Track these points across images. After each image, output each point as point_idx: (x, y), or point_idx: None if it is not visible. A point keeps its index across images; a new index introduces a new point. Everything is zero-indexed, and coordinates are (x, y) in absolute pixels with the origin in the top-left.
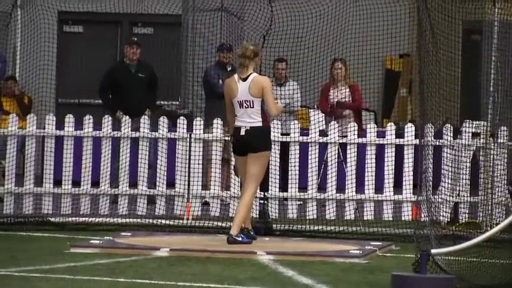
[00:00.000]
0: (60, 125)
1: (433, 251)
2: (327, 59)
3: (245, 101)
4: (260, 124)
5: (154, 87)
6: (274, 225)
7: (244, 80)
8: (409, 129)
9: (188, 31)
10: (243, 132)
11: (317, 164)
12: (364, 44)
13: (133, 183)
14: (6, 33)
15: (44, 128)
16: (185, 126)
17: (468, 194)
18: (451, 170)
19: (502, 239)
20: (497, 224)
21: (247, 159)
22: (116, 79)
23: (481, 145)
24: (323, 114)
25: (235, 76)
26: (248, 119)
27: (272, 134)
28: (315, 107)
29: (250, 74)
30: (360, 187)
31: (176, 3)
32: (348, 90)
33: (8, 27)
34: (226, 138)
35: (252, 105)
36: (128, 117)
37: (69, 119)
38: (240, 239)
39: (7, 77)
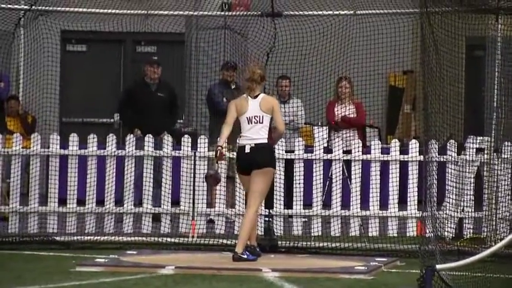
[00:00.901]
0: (64, 144)
1: (438, 266)
2: (330, 76)
3: (255, 116)
4: (266, 141)
5: (174, 108)
6: (279, 242)
7: (255, 97)
8: (413, 145)
9: (191, 49)
10: (247, 150)
11: (322, 181)
12: (367, 61)
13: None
14: (9, 53)
15: (48, 147)
16: (190, 144)
17: (472, 210)
18: (456, 186)
19: (506, 254)
20: (501, 239)
21: (252, 176)
22: (136, 97)
23: (485, 161)
24: (327, 131)
25: (245, 95)
26: (255, 135)
27: (276, 151)
28: (319, 124)
29: (259, 94)
30: (364, 203)
31: (179, 22)
32: (353, 107)
33: (11, 47)
34: (233, 154)
35: (261, 121)
36: (150, 136)
37: (74, 138)
38: (245, 256)
39: (9, 96)
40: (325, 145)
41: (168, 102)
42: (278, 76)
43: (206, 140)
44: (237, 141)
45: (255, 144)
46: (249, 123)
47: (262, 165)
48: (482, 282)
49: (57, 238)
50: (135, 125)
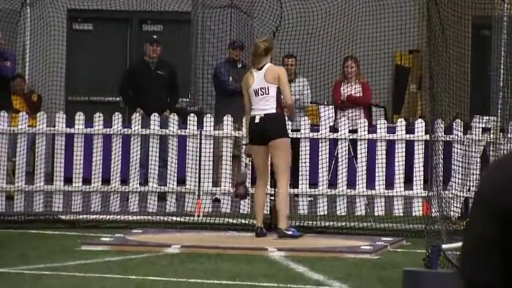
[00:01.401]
0: (70, 123)
1: (444, 246)
2: (336, 56)
3: (261, 88)
4: (274, 111)
5: (175, 86)
6: None
7: (260, 69)
8: (419, 124)
9: (198, 28)
10: (257, 120)
11: (327, 160)
12: (373, 40)
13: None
14: (15, 31)
15: (54, 126)
16: (195, 124)
17: None
18: (462, 166)
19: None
20: None
21: (270, 151)
22: (136, 77)
23: (491, 140)
24: (333, 110)
25: (251, 69)
26: (263, 106)
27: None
28: (325, 103)
29: (265, 64)
30: (370, 183)
31: (186, 0)
32: (359, 87)
33: (17, 25)
34: (238, 133)
35: (267, 92)
36: (156, 114)
37: (79, 116)
38: (290, 232)
39: (15, 75)
40: (331, 124)
41: (168, 80)
42: (284, 55)
43: (212, 119)
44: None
45: (264, 114)
46: (256, 96)
47: (274, 136)
48: None
49: (63, 217)
50: (136, 105)
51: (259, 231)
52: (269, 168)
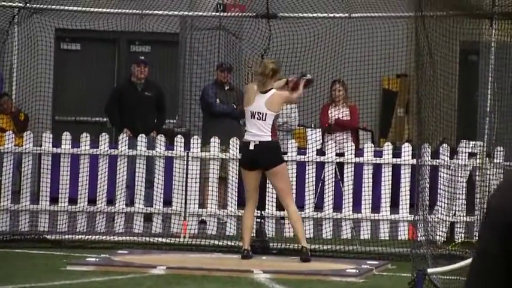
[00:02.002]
0: (56, 143)
1: (429, 270)
2: (324, 79)
3: (258, 112)
4: (269, 139)
5: (162, 107)
6: (271, 244)
7: (264, 92)
8: (406, 148)
9: (186, 49)
10: (251, 147)
11: (314, 183)
12: (361, 64)
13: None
14: (2, 50)
15: (41, 146)
16: (182, 145)
17: (464, 214)
18: (448, 190)
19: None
20: None
21: (269, 179)
22: (123, 97)
23: (478, 165)
24: (320, 133)
25: (255, 87)
26: (257, 131)
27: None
28: (313, 126)
29: (271, 89)
30: (356, 206)
31: (174, 22)
32: (347, 110)
33: (4, 44)
34: (225, 155)
35: (264, 118)
36: (143, 135)
37: (66, 136)
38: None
39: (2, 93)
40: (318, 147)
41: (155, 101)
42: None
43: (199, 141)
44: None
45: (259, 141)
46: (252, 118)
47: (271, 165)
48: None
49: (48, 237)
50: (123, 126)
51: (246, 253)
52: (258, 191)
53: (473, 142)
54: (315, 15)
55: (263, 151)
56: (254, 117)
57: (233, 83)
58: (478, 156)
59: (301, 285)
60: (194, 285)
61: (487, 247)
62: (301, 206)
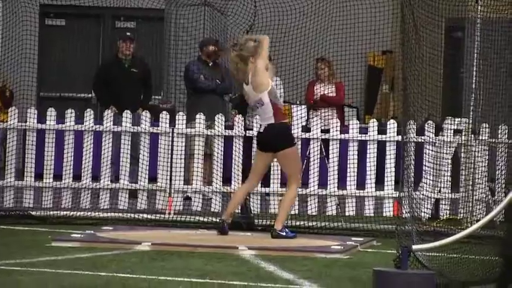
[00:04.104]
0: (41, 119)
1: (414, 246)
2: (310, 55)
3: (256, 101)
4: (273, 121)
5: (148, 84)
6: (256, 221)
7: (247, 83)
8: (391, 125)
9: (171, 26)
10: (262, 130)
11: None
12: (347, 40)
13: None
14: None
15: (26, 122)
16: (168, 121)
17: (449, 191)
18: (433, 167)
19: (482, 235)
20: (477, 221)
21: (278, 161)
22: (109, 74)
23: (463, 142)
24: (306, 110)
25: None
26: (264, 115)
27: (256, 128)
28: (298, 102)
29: (249, 74)
30: (341, 183)
31: None
32: (333, 87)
33: None
34: (210, 131)
35: (262, 103)
36: (129, 111)
37: (51, 112)
38: (284, 233)
39: None
40: (304, 124)
41: (141, 78)
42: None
43: (184, 117)
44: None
45: (268, 124)
46: (257, 109)
47: (278, 147)
48: (458, 262)
49: (33, 213)
50: (109, 102)
51: (222, 225)
52: (262, 176)
53: (459, 119)
54: None
55: (272, 134)
56: (257, 107)
57: (220, 59)
58: (463, 133)
59: (285, 262)
60: (179, 261)
61: None
62: (286, 183)
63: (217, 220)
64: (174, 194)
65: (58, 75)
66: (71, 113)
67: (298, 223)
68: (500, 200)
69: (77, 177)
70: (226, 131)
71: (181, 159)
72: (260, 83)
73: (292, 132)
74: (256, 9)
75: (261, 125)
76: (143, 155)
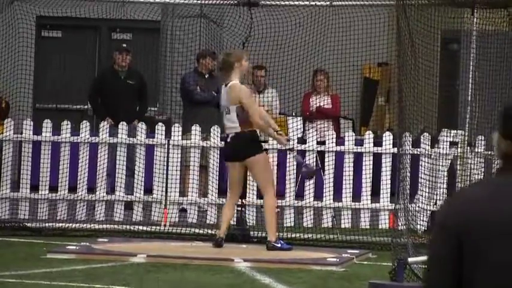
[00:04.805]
0: (37, 130)
1: (409, 259)
2: (305, 67)
3: (224, 106)
4: (239, 130)
5: (144, 96)
6: (251, 233)
7: (226, 85)
8: (387, 137)
9: (167, 37)
10: (229, 139)
11: (295, 171)
12: (343, 52)
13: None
14: None
15: (21, 133)
16: (163, 133)
17: None
18: (429, 179)
19: None
20: None
21: (248, 170)
22: (105, 85)
23: (459, 154)
24: (301, 121)
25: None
26: (230, 124)
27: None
28: (293, 114)
29: (231, 82)
30: (337, 195)
31: (155, 9)
32: (328, 98)
33: None
34: (206, 143)
35: (229, 112)
36: (124, 123)
37: (47, 124)
38: (279, 245)
39: None
40: (300, 135)
41: (137, 89)
42: (253, 66)
43: (180, 129)
44: None
45: (235, 133)
46: (224, 113)
47: (244, 156)
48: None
49: (29, 224)
50: (105, 114)
51: (219, 240)
52: (241, 185)
53: (454, 131)
54: (296, 3)
55: (237, 142)
56: (224, 111)
57: (215, 71)
58: (459, 145)
59: (281, 274)
60: (174, 273)
61: (439, 250)
62: (282, 195)
63: (214, 232)
64: (169, 205)
65: (54, 86)
66: (67, 124)
67: (293, 235)
68: None
69: (73, 188)
70: (222, 142)
71: (176, 170)
72: (233, 99)
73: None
74: (252, 21)
75: (228, 135)
76: (139, 167)
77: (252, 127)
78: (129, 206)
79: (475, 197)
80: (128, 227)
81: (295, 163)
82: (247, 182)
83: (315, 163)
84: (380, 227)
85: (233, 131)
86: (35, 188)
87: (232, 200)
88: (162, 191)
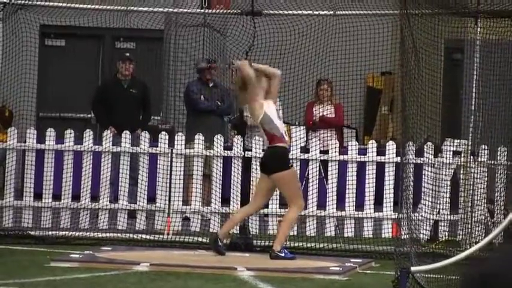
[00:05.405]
0: (41, 139)
1: (412, 268)
2: (309, 76)
3: (254, 125)
4: (269, 144)
5: (147, 105)
6: (254, 241)
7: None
8: (390, 146)
9: (170, 46)
10: (265, 152)
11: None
12: (346, 61)
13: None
14: None
15: (25, 142)
16: (167, 141)
17: (448, 212)
18: (432, 188)
19: (481, 257)
20: (476, 243)
21: (275, 182)
22: (108, 94)
23: (462, 164)
24: (305, 131)
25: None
26: (263, 139)
27: (255, 150)
28: (297, 123)
29: (246, 103)
30: (340, 204)
31: (159, 18)
32: (332, 108)
33: None
34: (209, 152)
35: (258, 128)
36: (128, 132)
37: (50, 132)
38: (282, 254)
39: None
40: (303, 145)
41: (140, 99)
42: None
43: (183, 138)
44: None
45: (267, 146)
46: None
47: (271, 170)
48: (457, 285)
49: (32, 233)
50: (108, 123)
51: (217, 244)
52: (265, 197)
53: (458, 140)
54: (299, 12)
55: (267, 156)
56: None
57: (217, 80)
58: (462, 155)
59: (284, 283)
60: (177, 282)
61: None
62: (284, 204)
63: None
64: (172, 214)
65: (58, 95)
66: (70, 133)
67: (296, 244)
68: (499, 221)
69: (76, 197)
70: (225, 151)
71: (180, 179)
72: (251, 113)
73: (289, 155)
74: (256, 31)
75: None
76: (142, 176)
77: (282, 142)
78: (132, 214)
79: None
80: (131, 235)
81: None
82: (251, 190)
83: (318, 172)
84: (383, 236)
85: (266, 145)
86: (38, 196)
87: (248, 209)
88: (165, 199)
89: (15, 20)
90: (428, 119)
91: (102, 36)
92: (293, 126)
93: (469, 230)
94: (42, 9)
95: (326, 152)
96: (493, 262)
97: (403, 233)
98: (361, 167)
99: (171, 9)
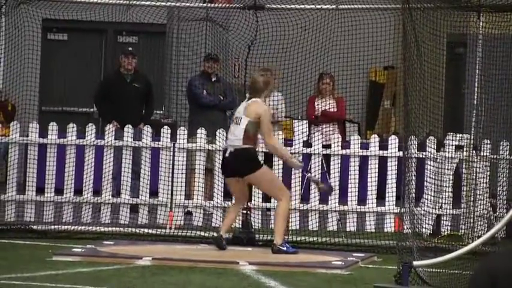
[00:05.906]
0: (43, 133)
1: (415, 262)
2: (311, 71)
3: (236, 117)
4: (239, 145)
5: (150, 100)
6: (256, 236)
7: (248, 99)
8: (393, 141)
9: (173, 40)
10: (227, 154)
11: (300, 175)
12: (348, 56)
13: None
14: None
15: (27, 136)
16: (169, 136)
17: (450, 207)
18: (434, 183)
19: (483, 251)
20: (479, 237)
21: (252, 184)
22: (111, 89)
23: (464, 158)
24: (307, 125)
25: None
26: (233, 137)
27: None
28: (299, 117)
29: (253, 98)
30: (343, 198)
31: (161, 13)
32: (334, 102)
33: None
34: (212, 146)
35: (238, 122)
36: (130, 126)
37: (53, 126)
38: (284, 248)
39: None
40: (305, 139)
41: (143, 93)
42: (259, 69)
43: (185, 132)
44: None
45: (234, 148)
46: (233, 122)
47: (244, 173)
48: (459, 279)
49: (34, 227)
50: (111, 117)
51: (220, 240)
52: (246, 193)
53: (460, 135)
54: (302, 6)
55: (237, 159)
56: (233, 122)
57: (220, 74)
58: (464, 149)
59: (286, 277)
60: (180, 276)
61: None
62: None
63: (214, 234)
64: (175, 208)
65: (60, 89)
66: (73, 127)
67: (299, 238)
68: (502, 216)
69: (78, 191)
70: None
71: (182, 173)
72: (253, 113)
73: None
74: (258, 25)
75: (226, 149)
76: (144, 170)
77: (254, 145)
78: (134, 208)
79: None
80: (133, 229)
81: (313, 185)
82: (253, 186)
83: (330, 183)
84: (385, 230)
85: (234, 143)
86: (40, 190)
87: (238, 206)
88: (167, 194)
89: (17, 14)
90: (431, 113)
91: (105, 30)
92: (295, 121)
93: (472, 224)
94: (45, 3)
95: (328, 146)
96: (502, 258)
97: (405, 228)
98: (364, 161)
99: (173, 3)
